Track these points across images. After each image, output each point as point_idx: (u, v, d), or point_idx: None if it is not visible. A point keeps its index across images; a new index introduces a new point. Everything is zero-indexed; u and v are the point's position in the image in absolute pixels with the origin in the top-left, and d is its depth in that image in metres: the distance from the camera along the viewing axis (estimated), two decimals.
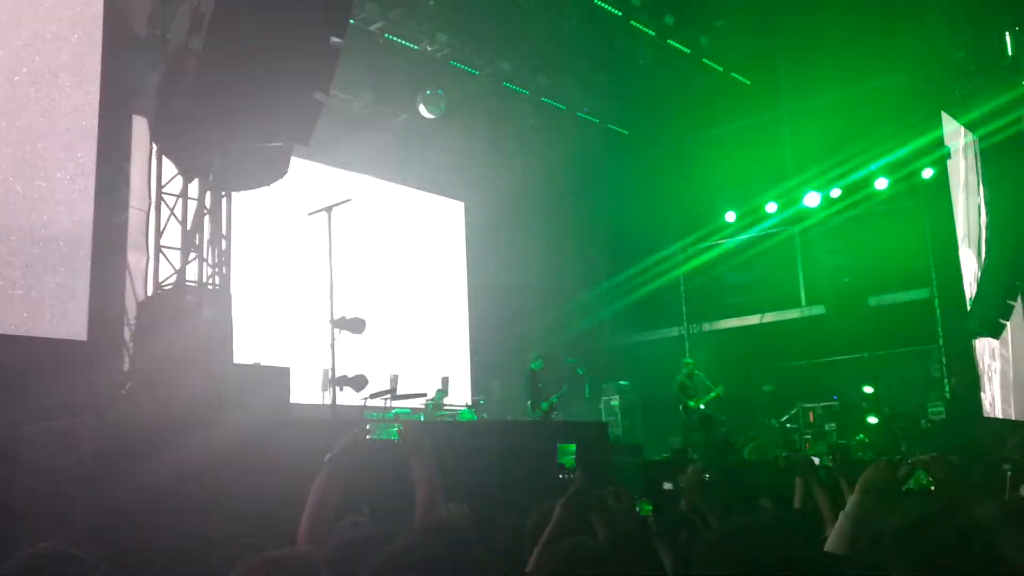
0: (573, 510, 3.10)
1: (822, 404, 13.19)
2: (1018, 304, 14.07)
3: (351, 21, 10.20)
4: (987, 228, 14.06)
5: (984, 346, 13.30)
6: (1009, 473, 2.82)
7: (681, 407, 12.60)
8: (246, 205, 9.60)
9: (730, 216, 15.38)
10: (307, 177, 13.44)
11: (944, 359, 13.36)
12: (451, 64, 13.62)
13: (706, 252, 15.73)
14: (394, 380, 11.71)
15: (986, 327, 13.21)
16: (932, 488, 3.01)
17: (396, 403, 11.23)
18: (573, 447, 4.60)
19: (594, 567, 2.44)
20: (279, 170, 8.16)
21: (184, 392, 6.54)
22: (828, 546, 2.57)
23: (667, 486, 4.16)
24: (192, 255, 7.66)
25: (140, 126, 8.86)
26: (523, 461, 5.90)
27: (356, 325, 8.75)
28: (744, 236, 15.38)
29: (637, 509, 3.70)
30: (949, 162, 13.27)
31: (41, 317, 7.87)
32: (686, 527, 3.81)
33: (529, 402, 12.29)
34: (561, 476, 4.51)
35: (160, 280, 7.76)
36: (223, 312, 7.41)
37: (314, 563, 2.12)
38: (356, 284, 14.09)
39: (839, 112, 13.89)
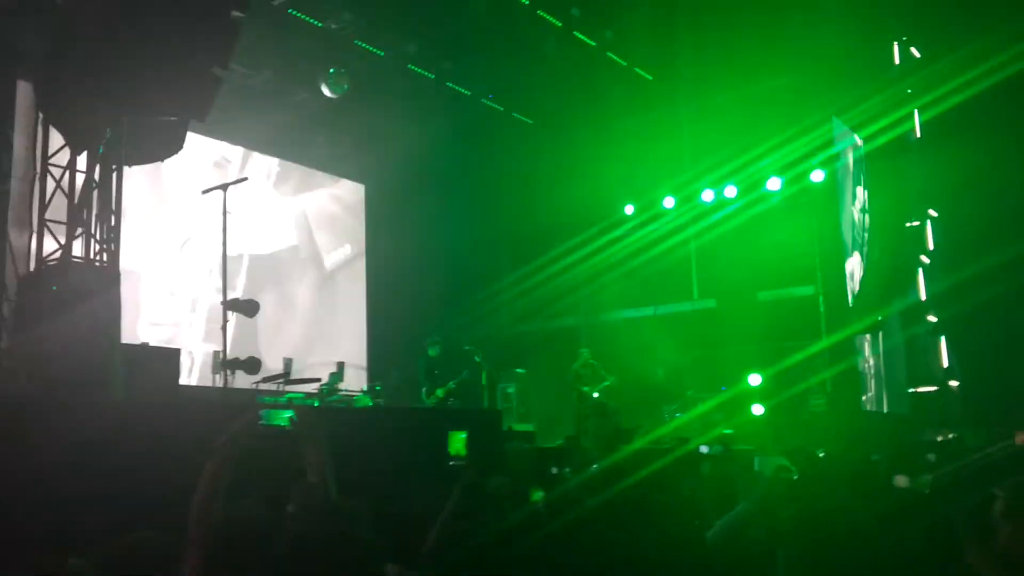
0: (467, 497, 3.13)
1: (711, 394, 13.56)
2: (895, 302, 14.81)
3: None
4: (869, 229, 14.72)
5: (864, 342, 13.93)
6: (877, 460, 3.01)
7: (576, 395, 12.80)
8: (137, 179, 9.30)
9: (629, 209, 15.66)
10: (203, 153, 13.10)
11: (827, 353, 13.89)
12: (355, 43, 13.41)
13: (605, 244, 15.96)
14: (288, 364, 11.54)
15: (865, 324, 13.85)
16: (795, 478, 3.17)
17: (289, 387, 11.06)
18: (464, 435, 4.63)
19: (484, 552, 2.49)
20: (174, 145, 7.93)
21: (67, 372, 6.31)
22: (710, 536, 2.68)
23: (554, 470, 4.24)
24: (79, 231, 7.36)
25: (25, 92, 8.49)
26: (416, 448, 5.91)
27: (249, 307, 8.61)
28: (642, 230, 15.67)
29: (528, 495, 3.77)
30: (838, 164, 13.81)
31: None
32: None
33: (424, 388, 12.28)
34: (452, 463, 4.54)
35: (44, 255, 7.44)
36: (110, 291, 7.15)
37: (169, 546, 2.10)
38: (250, 265, 13.83)
39: (735, 111, 14.25)
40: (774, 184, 14.04)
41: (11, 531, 4.55)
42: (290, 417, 3.00)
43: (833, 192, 13.96)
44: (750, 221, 14.57)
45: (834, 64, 13.94)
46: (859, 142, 14.70)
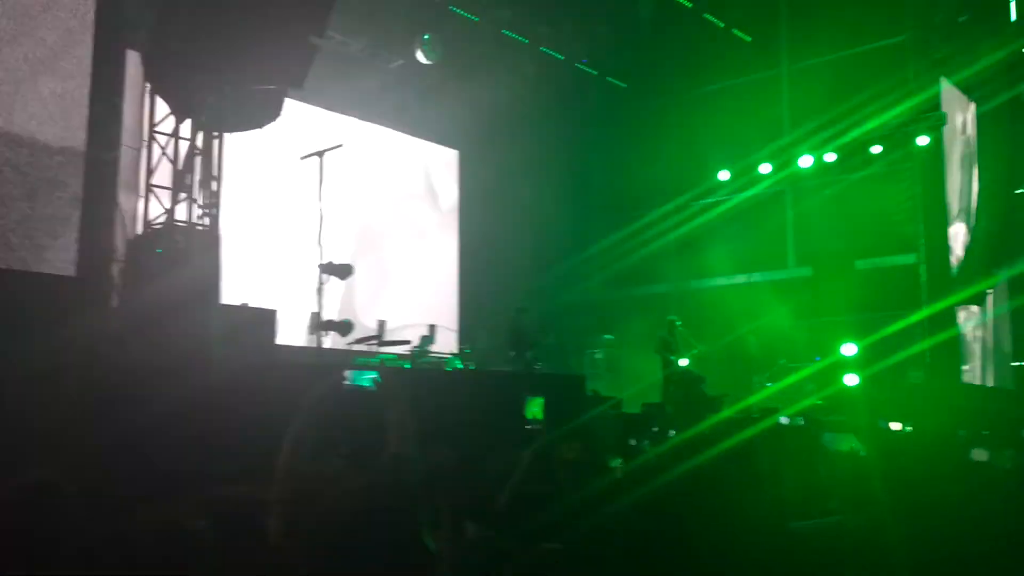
0: (540, 460, 3.21)
1: (804, 363, 13.33)
2: (1003, 271, 14.20)
3: None
4: (978, 196, 14.12)
5: (967, 314, 13.43)
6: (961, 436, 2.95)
7: (662, 362, 12.76)
8: (238, 147, 9.60)
9: (723, 175, 15.38)
10: (301, 120, 13.40)
11: (927, 324, 13.47)
12: (450, 9, 13.49)
13: (698, 210, 15.75)
14: (381, 326, 11.82)
15: (970, 293, 13.35)
16: (862, 454, 3.14)
17: (382, 349, 11.34)
18: (540, 400, 4.71)
19: (555, 517, 2.56)
20: (272, 113, 8.15)
21: (171, 332, 6.63)
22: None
23: (632, 442, 4.27)
24: (182, 196, 7.68)
25: (134, 63, 8.83)
26: (497, 411, 6.03)
27: (343, 271, 8.85)
28: (738, 196, 15.39)
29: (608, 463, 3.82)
30: (945, 128, 13.26)
31: (32, 250, 7.94)
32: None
33: (513, 352, 12.41)
34: (528, 427, 4.62)
35: (150, 219, 7.80)
36: (212, 253, 7.46)
37: (255, 501, 2.23)
38: (346, 230, 14.15)
39: (837, 74, 13.84)
40: (875, 149, 13.55)
41: (123, 486, 4.83)
42: (374, 378, 3.13)
43: (938, 157, 13.42)
44: (849, 187, 14.16)
45: (943, 21, 13.37)
46: (969, 105, 14.07)
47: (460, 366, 11.92)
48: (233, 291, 11.34)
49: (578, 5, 14.03)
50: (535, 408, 4.72)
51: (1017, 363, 13.75)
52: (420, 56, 13.52)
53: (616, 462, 3.87)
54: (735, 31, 14.98)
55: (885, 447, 2.99)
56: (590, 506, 3.19)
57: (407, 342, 11.79)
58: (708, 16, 14.51)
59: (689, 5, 14.21)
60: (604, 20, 14.74)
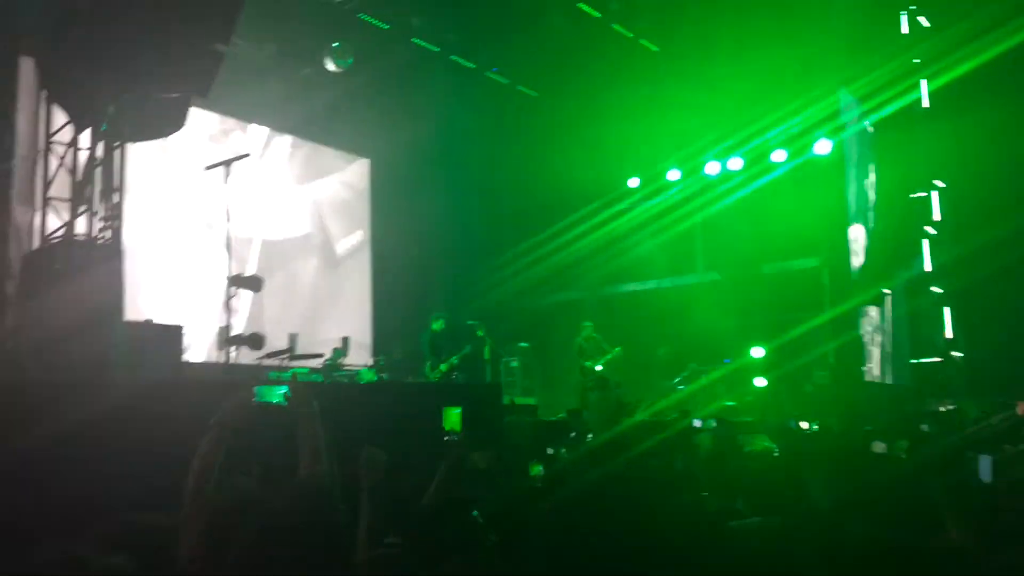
0: (454, 471, 3.18)
1: (714, 367, 13.61)
2: (900, 274, 14.77)
3: None
4: (875, 201, 14.67)
5: (867, 313, 13.94)
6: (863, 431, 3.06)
7: (579, 369, 12.87)
8: (140, 156, 9.33)
9: (633, 182, 15.63)
10: (206, 129, 13.11)
11: (830, 325, 13.91)
12: (360, 17, 13.36)
13: (609, 218, 15.96)
14: (292, 339, 11.61)
15: (869, 295, 13.85)
16: (775, 453, 3.21)
17: (293, 363, 11.14)
18: (458, 410, 4.69)
19: (465, 526, 2.54)
20: (176, 121, 7.95)
21: (70, 349, 6.38)
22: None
23: (549, 451, 4.28)
24: (82, 208, 7.41)
25: (28, 69, 8.48)
26: (412, 423, 5.97)
27: (253, 283, 8.66)
28: (647, 203, 15.67)
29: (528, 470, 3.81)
30: (844, 136, 13.74)
31: None
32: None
33: (428, 363, 12.36)
34: (446, 439, 4.59)
35: (47, 233, 7.50)
36: (113, 268, 7.21)
37: (168, 529, 2.16)
38: (255, 241, 13.88)
39: (741, 83, 14.19)
40: (779, 156, 13.94)
41: (14, 518, 4.61)
42: (284, 393, 3.06)
43: (838, 164, 13.91)
44: (755, 193, 14.55)
45: (841, 34, 13.83)
46: (865, 113, 14.61)
47: (374, 378, 11.79)
48: (137, 307, 11.02)
49: (488, 14, 14.06)
50: (453, 419, 4.69)
51: (914, 360, 14.29)
52: (329, 64, 13.35)
53: (536, 469, 3.87)
54: (643, 41, 15.20)
55: (795, 446, 3.07)
56: (506, 513, 3.18)
57: (319, 355, 11.61)
58: (616, 26, 14.70)
59: (598, 15, 14.38)
60: (513, 29, 14.81)
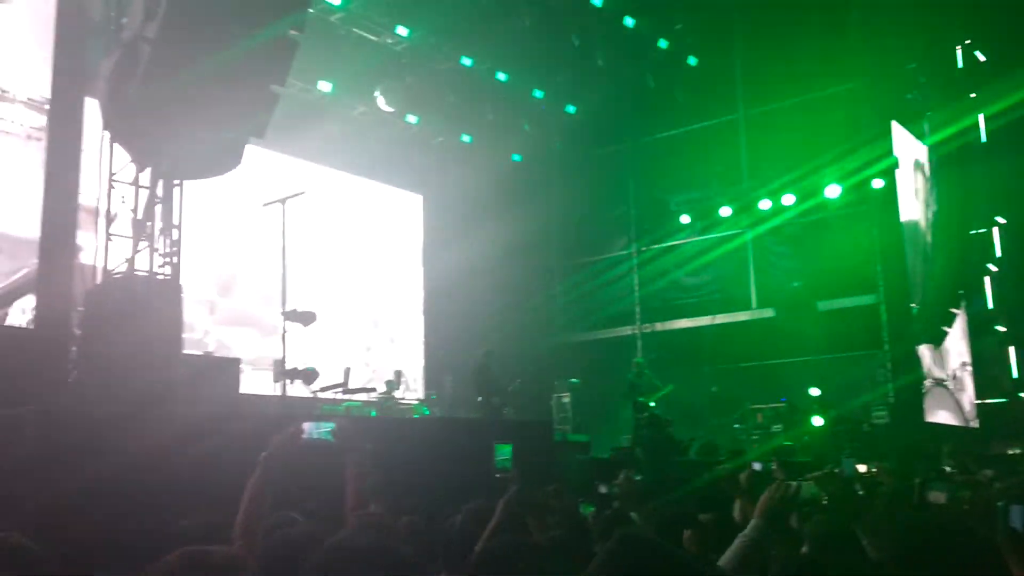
0: (512, 509, 3.15)
1: (770, 405, 13.38)
2: (960, 313, 14.44)
3: (310, 11, 10.14)
4: (933, 237, 14.40)
5: (928, 352, 13.61)
6: (917, 481, 2.94)
7: (631, 405, 12.73)
8: (199, 194, 9.52)
9: (685, 219, 15.54)
10: (263, 167, 13.36)
11: (889, 364, 13.63)
12: (411, 57, 13.60)
13: (660, 253, 15.89)
14: (347, 373, 11.70)
15: (928, 334, 13.54)
16: (824, 502, 3.12)
17: (347, 396, 11.22)
18: (509, 447, 4.66)
19: (528, 566, 2.50)
20: (233, 160, 8.08)
21: (131, 382, 6.49)
22: (723, 562, 2.65)
23: (602, 489, 4.22)
24: (143, 244, 7.57)
25: (93, 111, 8.75)
26: (462, 459, 5.95)
27: (307, 318, 8.76)
28: (698, 238, 15.57)
29: (579, 509, 3.76)
30: (898, 171, 13.54)
31: None
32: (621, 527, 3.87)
33: (480, 398, 12.32)
34: (497, 476, 4.55)
35: (110, 269, 7.68)
36: (173, 302, 7.35)
37: (237, 561, 2.16)
38: (310, 277, 14.05)
39: (793, 119, 14.11)
40: (833, 192, 13.76)
41: (82, 539, 4.68)
42: (331, 430, 3.06)
43: (895, 199, 13.68)
44: (809, 229, 14.38)
45: (894, 68, 13.72)
46: (922, 149, 14.40)
47: (427, 412, 11.81)
48: (196, 340, 11.21)
49: (540, 51, 14.21)
50: (504, 455, 4.66)
51: (979, 401, 13.93)
52: (382, 103, 13.58)
53: (588, 509, 3.82)
54: (692, 78, 15.24)
55: (844, 494, 2.97)
56: (563, 551, 3.14)
57: (372, 389, 11.68)
58: (667, 64, 14.77)
59: (649, 53, 14.47)
60: (564, 66, 14.94)
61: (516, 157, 16.19)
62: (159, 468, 5.37)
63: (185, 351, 7.69)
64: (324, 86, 13.10)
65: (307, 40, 8.01)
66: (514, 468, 4.59)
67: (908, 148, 13.91)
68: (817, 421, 12.91)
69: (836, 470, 3.72)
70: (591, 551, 3.65)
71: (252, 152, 9.36)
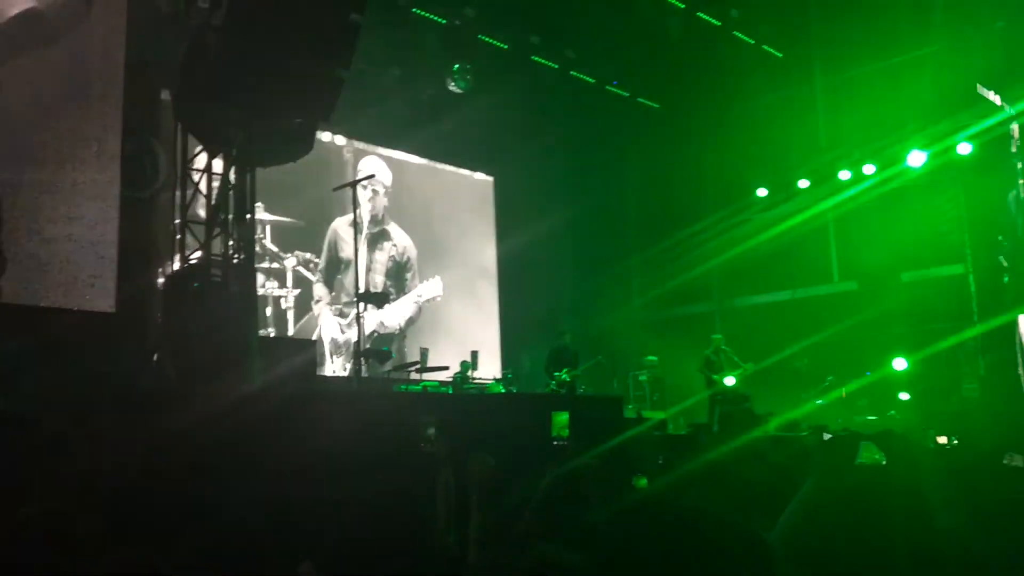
0: (564, 479, 3.12)
1: (854, 380, 13.06)
2: None
3: None
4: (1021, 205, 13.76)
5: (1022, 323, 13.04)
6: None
7: (706, 382, 12.59)
8: (271, 180, 9.70)
9: (762, 192, 15.21)
10: (334, 151, 13.57)
11: (979, 336, 13.12)
12: (479, 38, 13.59)
13: (737, 227, 15.58)
14: (424, 353, 11.84)
15: (1021, 301, 12.96)
16: (884, 463, 3.00)
17: (423, 376, 11.35)
18: (566, 415, 4.64)
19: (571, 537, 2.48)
20: (304, 147, 8.22)
21: (209, 364, 6.67)
22: (781, 521, 2.56)
23: (660, 460, 4.17)
24: (217, 230, 7.77)
25: (166, 100, 9.00)
26: (529, 432, 5.96)
27: (380, 299, 8.91)
28: (776, 211, 15.21)
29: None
30: (989, 135, 12.95)
31: (74, 290, 8.09)
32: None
33: (555, 375, 12.33)
34: (555, 444, 4.54)
35: (186, 254, 7.90)
36: (248, 285, 7.53)
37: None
38: (383, 259, 14.23)
39: (873, 85, 13.64)
40: (917, 159, 13.25)
41: (155, 511, 4.82)
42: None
43: (983, 165, 13.11)
44: (892, 198, 13.89)
45: (980, 28, 13.13)
46: (1011, 111, 13.77)
47: (502, 390, 11.87)
48: (270, 322, 11.47)
49: (605, 28, 14.04)
50: (560, 423, 4.64)
51: None
52: (451, 85, 13.63)
53: (642, 482, 3.77)
54: (765, 47, 14.85)
55: (906, 456, 2.83)
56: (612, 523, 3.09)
57: (447, 368, 11.79)
58: (737, 33, 14.42)
59: (718, 23, 14.14)
60: (632, 42, 14.72)
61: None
62: (240, 447, 5.48)
63: (262, 333, 7.86)
64: (393, 69, 13.20)
65: (374, 24, 8.08)
66: (571, 436, 4.57)
67: (997, 111, 13.30)
68: (903, 396, 12.55)
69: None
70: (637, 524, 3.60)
71: (325, 137, 9.50)
